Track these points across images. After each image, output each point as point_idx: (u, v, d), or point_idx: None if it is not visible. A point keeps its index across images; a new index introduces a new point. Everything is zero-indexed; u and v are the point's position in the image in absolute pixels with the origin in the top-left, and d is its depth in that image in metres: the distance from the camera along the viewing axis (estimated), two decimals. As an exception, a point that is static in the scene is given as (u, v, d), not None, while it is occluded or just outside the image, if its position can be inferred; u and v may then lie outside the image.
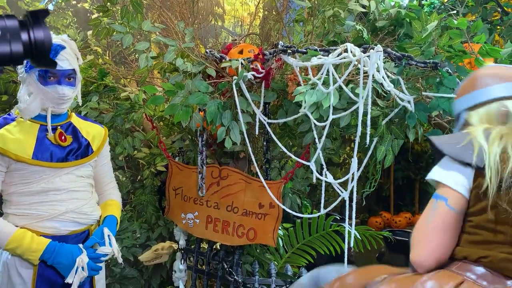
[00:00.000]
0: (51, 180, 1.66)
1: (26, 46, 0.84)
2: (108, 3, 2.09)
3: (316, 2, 2.17)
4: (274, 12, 2.60)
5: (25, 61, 0.98)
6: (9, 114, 1.68)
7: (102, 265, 1.82)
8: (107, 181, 1.94)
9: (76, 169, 1.74)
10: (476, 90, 1.27)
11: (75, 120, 1.82)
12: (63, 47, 1.62)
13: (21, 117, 1.65)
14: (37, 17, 0.85)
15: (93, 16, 2.37)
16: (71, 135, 1.74)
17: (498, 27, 3.35)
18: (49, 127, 1.66)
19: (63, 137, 1.71)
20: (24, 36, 0.84)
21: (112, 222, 1.83)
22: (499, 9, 3.48)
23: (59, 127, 1.72)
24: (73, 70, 1.69)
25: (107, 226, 1.78)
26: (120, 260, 1.80)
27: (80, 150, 1.75)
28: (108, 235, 1.75)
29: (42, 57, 0.88)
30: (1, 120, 1.65)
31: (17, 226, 1.62)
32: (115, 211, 1.89)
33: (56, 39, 1.63)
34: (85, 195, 1.77)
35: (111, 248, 1.73)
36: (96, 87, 2.34)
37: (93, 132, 1.84)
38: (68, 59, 1.66)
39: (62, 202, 1.69)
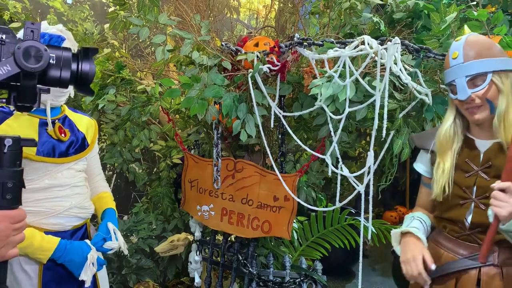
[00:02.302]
0: (53, 175, 1.63)
1: (73, 74, 1.01)
2: (125, -4, 2.10)
3: (332, -6, 2.15)
4: (290, 5, 2.58)
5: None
6: (3, 107, 1.60)
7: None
8: (97, 172, 1.93)
9: (75, 164, 1.71)
10: None
11: (69, 113, 1.79)
12: (64, 38, 1.59)
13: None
14: (87, 53, 1.04)
15: (110, 10, 2.39)
16: (69, 129, 1.72)
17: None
18: (49, 121, 1.63)
19: (62, 131, 1.68)
20: (73, 66, 1.01)
21: (113, 216, 1.83)
22: (520, 0, 3.39)
23: (57, 120, 1.69)
24: None
25: (110, 221, 1.78)
26: (126, 252, 1.79)
27: (78, 143, 1.73)
28: (114, 230, 1.75)
29: (84, 85, 1.04)
30: None
31: None
32: (111, 204, 1.88)
33: (52, 29, 1.59)
34: (84, 189, 1.76)
35: (117, 242, 1.74)
36: (113, 80, 2.36)
37: (85, 124, 1.82)
38: None
39: (66, 197, 1.66)
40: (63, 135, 1.67)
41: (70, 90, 1.74)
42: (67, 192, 1.66)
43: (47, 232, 1.61)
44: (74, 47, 1.68)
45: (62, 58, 0.99)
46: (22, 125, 1.58)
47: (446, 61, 1.44)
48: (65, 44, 1.59)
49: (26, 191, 1.56)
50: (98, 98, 2.34)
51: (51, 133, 1.63)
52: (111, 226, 1.75)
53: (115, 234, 1.75)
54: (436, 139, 1.51)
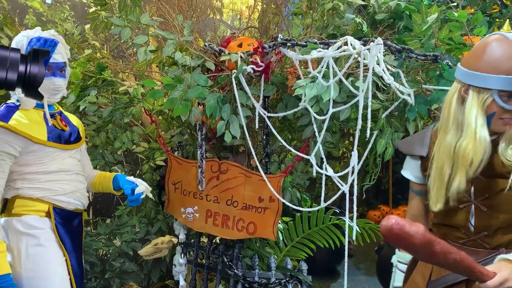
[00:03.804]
0: (61, 161, 1.82)
1: (20, 76, 0.98)
2: (106, -3, 2.08)
3: (315, -6, 2.16)
4: (273, 5, 2.58)
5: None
6: (6, 103, 1.77)
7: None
8: (88, 163, 2.12)
9: (75, 152, 1.90)
10: None
11: (62, 110, 1.95)
12: (57, 42, 1.75)
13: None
14: (37, 55, 1.00)
15: (91, 10, 2.35)
16: (66, 122, 1.90)
17: (497, 19, 3.34)
18: (48, 116, 1.79)
19: (63, 123, 1.87)
20: (21, 68, 0.98)
21: (124, 175, 2.04)
22: (498, 2, 3.47)
23: (56, 114, 1.87)
24: (65, 63, 1.80)
25: (125, 176, 2.01)
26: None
27: (75, 134, 1.92)
28: (135, 179, 1.98)
29: (31, 89, 1.02)
30: (6, 108, 1.73)
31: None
32: (114, 174, 2.08)
33: (47, 33, 1.74)
34: (83, 178, 1.95)
35: (143, 185, 1.95)
36: (94, 82, 2.32)
37: (76, 120, 2.00)
38: (61, 52, 1.77)
39: (71, 182, 1.85)
40: (65, 126, 1.87)
41: (65, 86, 1.87)
42: (72, 177, 1.86)
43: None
44: (67, 49, 1.83)
45: (8, 59, 0.96)
46: (30, 116, 1.74)
47: (506, 66, 1.26)
48: (59, 48, 1.75)
49: (38, 173, 1.77)
50: (79, 100, 2.30)
51: (55, 124, 1.82)
52: (130, 178, 1.99)
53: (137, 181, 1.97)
54: (466, 145, 1.32)
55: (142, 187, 1.95)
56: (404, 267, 1.62)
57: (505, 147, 1.33)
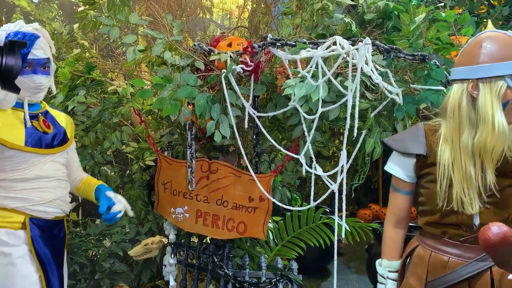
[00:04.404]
0: (41, 167, 1.69)
1: None
2: (95, -4, 2.06)
3: (304, -6, 2.16)
4: (262, 5, 2.58)
5: None
6: None
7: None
8: (77, 165, 2.00)
9: (59, 156, 1.78)
10: None
11: (49, 109, 1.84)
12: (37, 36, 1.62)
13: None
14: (13, 47, 0.98)
15: (80, 9, 2.33)
16: (51, 122, 1.78)
17: (485, 20, 3.38)
18: (27, 117, 1.67)
19: (46, 124, 1.74)
20: None
21: (107, 187, 1.92)
22: (485, 2, 3.51)
23: (40, 114, 1.75)
24: (48, 59, 1.69)
25: (107, 190, 1.88)
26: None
27: (61, 136, 1.80)
28: (114, 196, 1.84)
29: (8, 81, 0.99)
30: None
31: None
32: (99, 182, 1.97)
33: (28, 27, 1.63)
34: (66, 184, 1.83)
35: (121, 203, 1.82)
36: (83, 81, 2.31)
37: (64, 120, 1.89)
38: (43, 48, 1.66)
39: (51, 189, 1.73)
40: (47, 127, 1.74)
41: (52, 85, 1.79)
42: (52, 184, 1.73)
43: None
44: (51, 44, 1.73)
45: None
46: (7, 118, 1.62)
47: (510, 52, 1.30)
48: (38, 42, 1.63)
49: (14, 180, 1.64)
50: (68, 100, 2.28)
51: (37, 125, 1.69)
52: (111, 193, 1.84)
53: (117, 198, 1.84)
54: (485, 138, 1.33)
55: (120, 206, 1.81)
56: (395, 276, 1.61)
57: (510, 143, 1.34)
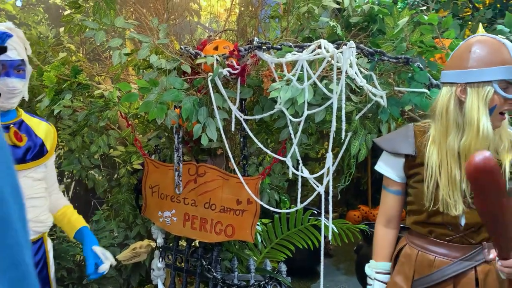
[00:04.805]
0: None
1: None
2: (80, -1, 2.06)
3: (290, -2, 2.18)
4: (250, 8, 2.59)
5: None
6: None
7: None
8: (52, 181, 1.82)
9: (34, 171, 1.62)
10: None
11: (25, 117, 1.68)
12: (9, 35, 1.46)
13: None
14: None
15: (66, 13, 2.32)
16: (25, 134, 1.62)
17: (470, 22, 3.43)
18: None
19: (18, 136, 1.58)
20: None
21: (91, 235, 1.78)
22: (470, 5, 3.57)
23: (11, 125, 1.59)
24: (22, 60, 1.56)
25: (92, 243, 1.73)
26: (114, 263, 1.81)
27: (36, 149, 1.63)
28: (102, 252, 1.73)
29: None
30: None
31: None
32: (82, 221, 1.82)
33: (2, 26, 1.51)
34: (41, 201, 1.66)
35: (109, 261, 1.73)
36: (69, 85, 2.29)
37: (44, 130, 1.72)
38: (16, 48, 1.53)
39: None
40: (19, 140, 1.57)
41: (24, 92, 1.63)
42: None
43: None
44: (26, 45, 1.60)
45: None
46: None
47: (506, 57, 1.31)
48: (11, 42, 1.49)
49: None
50: (54, 104, 2.26)
51: (6, 138, 1.49)
52: (98, 250, 1.71)
53: (104, 255, 1.73)
54: (470, 142, 1.35)
55: (107, 265, 1.70)
56: (383, 277, 1.61)
57: (496, 145, 1.38)
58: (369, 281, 1.65)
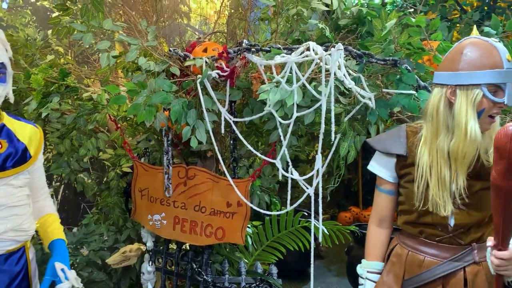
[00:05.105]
0: None
1: None
2: (68, 1, 2.04)
3: (279, 0, 2.18)
4: (240, 10, 2.59)
5: None
6: None
7: None
8: (40, 186, 1.73)
9: (14, 178, 1.54)
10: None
11: (8, 121, 1.60)
12: None
13: None
14: None
15: (54, 15, 2.30)
16: (6, 139, 1.55)
17: (458, 25, 3.46)
18: None
19: None
20: None
21: (62, 250, 1.64)
22: (458, 8, 3.60)
23: None
24: (2, 63, 1.49)
25: (57, 259, 1.59)
26: (81, 286, 1.63)
27: (18, 156, 1.55)
28: (62, 269, 1.57)
29: None
30: None
31: None
32: (58, 232, 1.70)
33: None
34: (24, 209, 1.58)
35: (68, 282, 1.56)
36: (57, 88, 2.27)
37: (29, 133, 1.63)
38: None
39: (1, 220, 1.49)
40: None
41: (10, 93, 1.57)
42: (3, 214, 1.48)
43: None
44: (7, 46, 1.53)
45: None
46: None
47: (496, 61, 1.32)
48: None
49: None
50: (42, 107, 2.24)
51: None
52: (58, 266, 1.56)
53: (64, 273, 1.57)
54: (458, 144, 1.37)
55: (66, 286, 1.53)
56: (375, 277, 1.61)
57: (486, 147, 1.39)
58: (360, 280, 1.66)
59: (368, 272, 1.63)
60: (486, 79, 1.32)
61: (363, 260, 1.66)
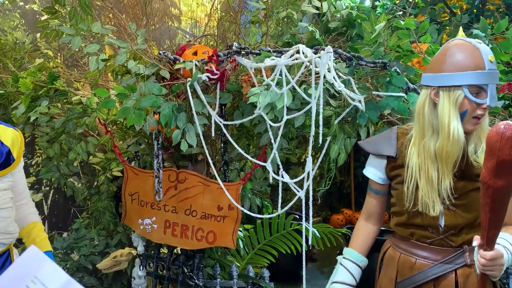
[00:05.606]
0: None
1: None
2: (57, 5, 2.02)
3: (269, 3, 2.18)
4: (231, 13, 2.59)
5: None
6: None
7: None
8: (21, 188, 1.71)
9: (0, 181, 1.54)
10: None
11: None
12: None
13: None
14: None
15: (43, 18, 2.28)
16: None
17: (447, 27, 3.49)
18: None
19: None
20: None
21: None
22: (447, 10, 3.63)
23: None
24: None
25: None
26: None
27: (2, 158, 1.55)
28: None
29: None
30: None
31: None
32: (46, 244, 1.68)
33: None
34: (9, 212, 1.57)
35: None
36: (46, 92, 2.25)
37: (11, 137, 1.62)
38: None
39: None
40: None
41: None
42: None
43: None
44: None
45: None
46: None
47: (478, 62, 1.32)
48: None
49: None
50: (30, 111, 2.22)
51: None
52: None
53: None
54: (443, 145, 1.38)
55: None
56: (349, 264, 1.61)
57: (474, 147, 1.40)
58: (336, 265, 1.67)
59: (344, 258, 1.64)
60: (467, 80, 1.32)
61: (345, 248, 1.68)
